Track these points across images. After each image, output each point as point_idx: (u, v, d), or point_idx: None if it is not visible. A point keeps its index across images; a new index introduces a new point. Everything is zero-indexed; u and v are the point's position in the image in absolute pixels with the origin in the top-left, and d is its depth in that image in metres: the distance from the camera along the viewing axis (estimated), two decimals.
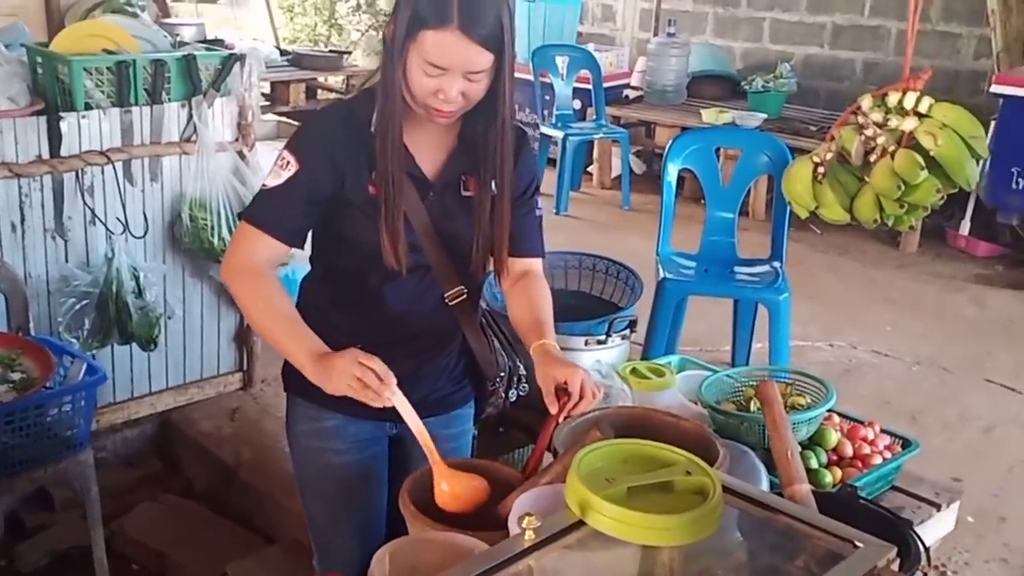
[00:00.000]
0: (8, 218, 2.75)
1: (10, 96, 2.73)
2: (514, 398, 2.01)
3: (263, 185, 1.73)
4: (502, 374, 1.95)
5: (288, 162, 1.68)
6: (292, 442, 1.93)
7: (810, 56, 6.95)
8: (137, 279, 2.96)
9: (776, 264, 3.65)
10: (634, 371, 2.26)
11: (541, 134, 6.48)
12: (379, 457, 1.91)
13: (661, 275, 3.52)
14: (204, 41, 5.32)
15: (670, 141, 3.81)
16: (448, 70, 1.59)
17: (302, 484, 1.94)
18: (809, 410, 2.06)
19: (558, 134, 6.19)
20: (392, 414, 1.63)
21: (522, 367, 1.96)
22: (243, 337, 3.38)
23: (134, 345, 3.02)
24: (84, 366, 2.54)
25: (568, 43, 7.01)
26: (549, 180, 6.41)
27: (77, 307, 2.86)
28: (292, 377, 1.84)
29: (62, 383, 2.50)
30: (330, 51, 7.42)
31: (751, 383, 2.20)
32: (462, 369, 1.94)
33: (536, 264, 1.92)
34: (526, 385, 1.98)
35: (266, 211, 1.71)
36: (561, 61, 6.48)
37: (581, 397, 1.66)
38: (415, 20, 1.58)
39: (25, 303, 2.73)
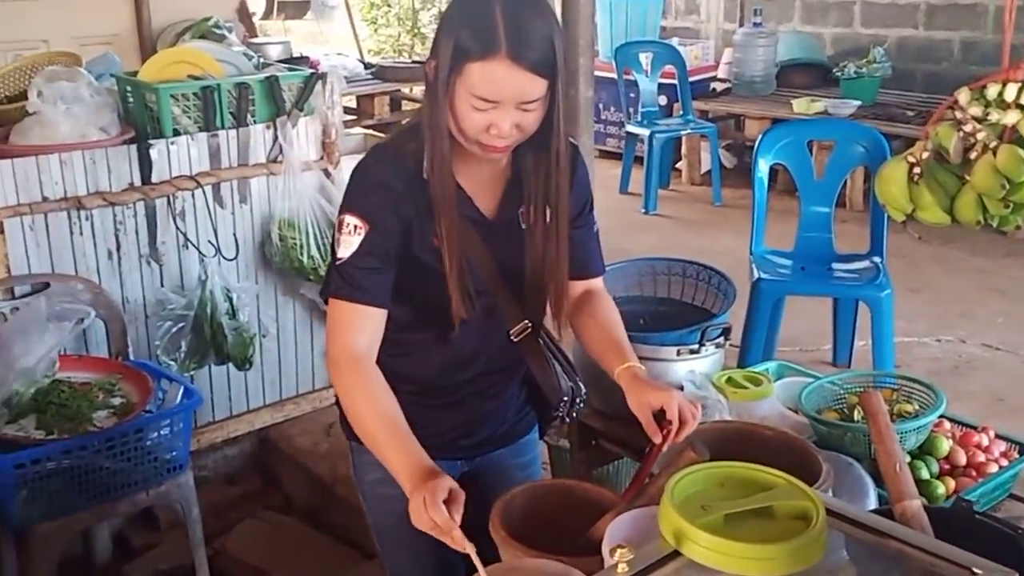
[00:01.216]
0: (104, 246, 2.81)
1: (102, 126, 2.80)
2: (572, 419, 1.97)
3: (337, 258, 1.62)
4: (565, 398, 1.89)
5: (355, 226, 1.58)
6: (363, 493, 1.86)
7: (904, 38, 6.70)
8: (230, 300, 3.00)
9: (876, 259, 3.51)
10: (730, 380, 2.18)
11: (627, 133, 6.40)
12: None
13: (756, 275, 3.43)
14: (289, 60, 5.42)
15: (759, 136, 3.71)
16: (500, 103, 1.48)
17: (378, 532, 1.88)
18: (917, 418, 1.95)
19: (644, 132, 6.10)
20: (462, 452, 1.58)
21: (582, 386, 1.90)
22: None
23: (230, 365, 3.07)
24: (181, 389, 2.59)
25: (651, 39, 6.91)
26: (636, 179, 6.35)
27: (173, 330, 2.91)
28: None
29: (160, 406, 2.55)
30: (413, 61, 7.46)
31: (854, 390, 2.10)
32: (525, 398, 1.89)
33: (598, 283, 1.85)
34: (583, 403, 1.93)
35: (349, 283, 1.60)
36: (645, 58, 6.38)
37: (682, 422, 1.57)
38: (459, 53, 1.48)
39: (123, 328, 2.80)
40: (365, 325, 1.61)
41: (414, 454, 1.51)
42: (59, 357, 2.50)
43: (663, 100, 6.54)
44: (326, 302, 1.66)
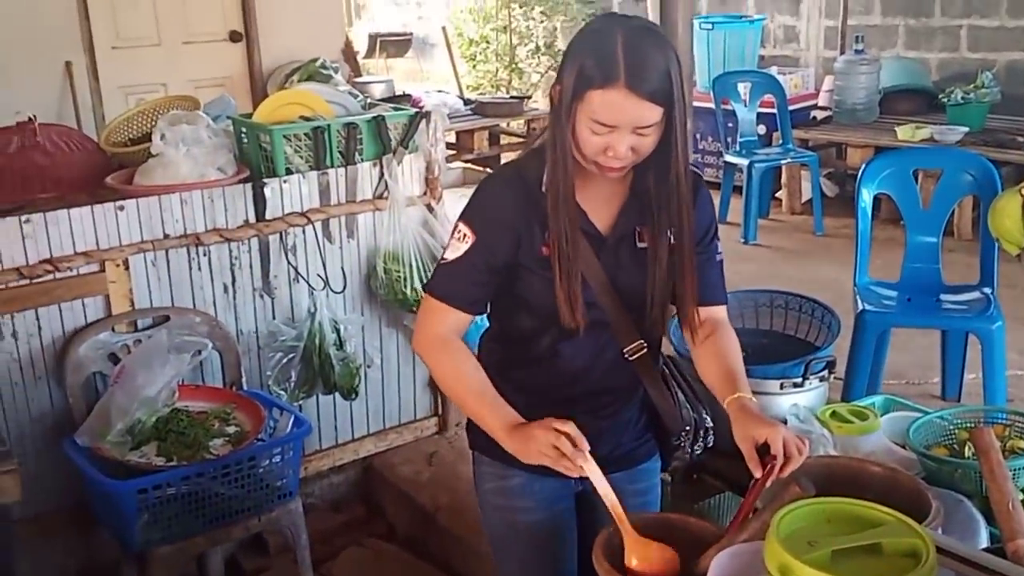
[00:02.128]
0: (221, 280, 2.94)
1: (219, 166, 2.94)
2: (700, 451, 1.96)
3: (443, 258, 1.77)
4: (687, 428, 1.90)
5: (465, 234, 1.72)
6: (481, 501, 1.95)
7: (1014, 62, 6.50)
8: (338, 331, 3.10)
9: (987, 290, 3.41)
10: (835, 415, 2.16)
11: (725, 162, 6.36)
12: (567, 514, 1.90)
13: (860, 307, 3.37)
14: (392, 98, 5.56)
15: (863, 165, 3.66)
16: (617, 127, 1.58)
17: (493, 543, 1.95)
18: None
19: (743, 162, 6.06)
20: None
21: (708, 419, 1.90)
22: (435, 383, 3.47)
23: (337, 394, 3.16)
24: (292, 418, 2.68)
25: (750, 68, 6.87)
26: (736, 208, 6.29)
27: (284, 361, 3.01)
28: (476, 435, 1.87)
29: (272, 435, 2.65)
30: (511, 97, 7.58)
31: (965, 425, 2.06)
32: (644, 423, 1.91)
33: (721, 312, 1.87)
34: (712, 437, 1.92)
35: (447, 284, 1.75)
36: (743, 87, 6.35)
37: (787, 457, 1.57)
38: (582, 80, 1.58)
39: (238, 359, 2.92)
40: (450, 322, 1.75)
41: (508, 410, 1.66)
42: (178, 387, 2.62)
43: (762, 129, 6.49)
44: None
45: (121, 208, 2.72)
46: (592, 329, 1.73)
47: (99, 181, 2.96)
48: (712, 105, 6.34)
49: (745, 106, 6.32)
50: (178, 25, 5.61)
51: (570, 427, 1.56)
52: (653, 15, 7.81)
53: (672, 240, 1.73)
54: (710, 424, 1.91)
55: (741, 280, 4.36)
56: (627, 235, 1.75)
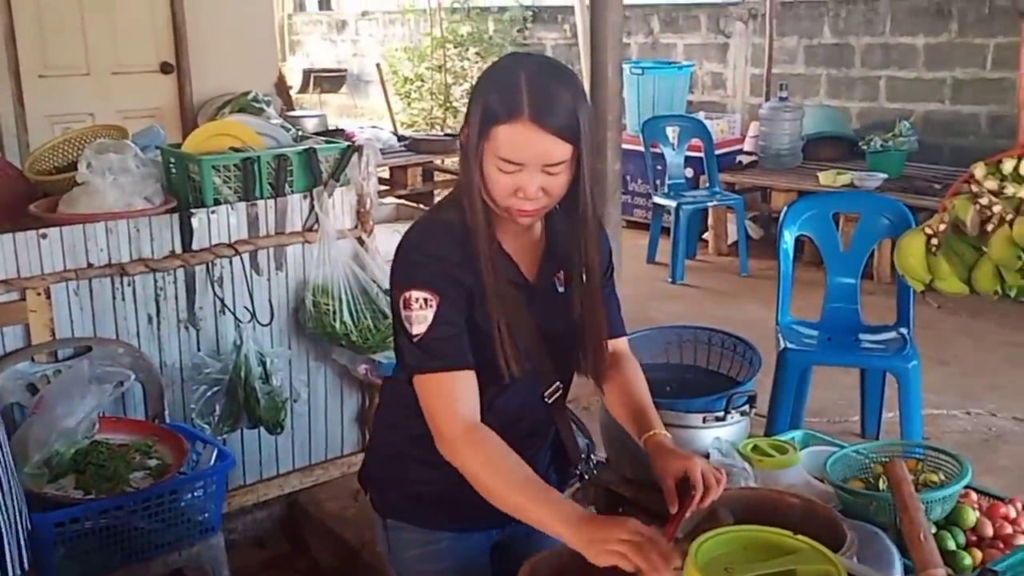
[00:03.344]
0: (145, 311, 2.90)
1: (146, 196, 2.90)
2: (591, 475, 1.99)
3: (413, 336, 1.61)
4: (583, 455, 1.92)
5: (425, 300, 1.60)
6: (400, 569, 1.86)
7: (930, 112, 6.78)
8: (264, 365, 3.06)
9: (903, 330, 3.52)
10: (756, 448, 2.20)
11: (654, 204, 6.49)
12: (486, 566, 1.87)
13: (782, 345, 3.45)
14: (326, 132, 5.57)
15: (784, 209, 3.76)
16: (524, 165, 1.55)
17: None
18: (942, 488, 1.96)
19: (671, 203, 6.18)
20: (498, 519, 1.57)
21: (593, 444, 1.94)
22: (364, 418, 3.45)
23: (262, 428, 3.12)
24: (215, 451, 2.64)
25: (678, 113, 7.04)
26: (664, 249, 6.41)
27: (208, 394, 2.97)
28: (391, 501, 1.83)
29: (195, 469, 2.60)
30: (445, 134, 7.64)
31: (880, 459, 2.11)
32: (549, 459, 1.91)
33: (622, 344, 1.89)
34: (596, 460, 1.95)
35: (435, 355, 1.61)
36: (672, 131, 6.50)
37: (706, 488, 1.59)
38: (486, 117, 1.56)
39: (161, 391, 2.87)
40: (463, 391, 1.62)
41: (566, 503, 1.55)
42: (99, 419, 2.57)
43: (690, 172, 6.64)
44: (409, 382, 1.66)
45: (44, 236, 2.67)
46: (521, 379, 1.70)
47: (22, 209, 2.90)
48: (641, 148, 6.47)
49: (673, 149, 6.46)
50: (108, 55, 5.56)
51: (655, 534, 1.44)
52: (585, 59, 7.96)
53: (585, 278, 1.73)
54: (595, 452, 1.93)
55: (668, 319, 4.43)
56: (550, 282, 1.75)
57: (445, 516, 1.80)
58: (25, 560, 1.68)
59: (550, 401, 1.81)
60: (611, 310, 1.85)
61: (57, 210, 2.85)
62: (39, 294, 2.66)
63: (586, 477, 1.97)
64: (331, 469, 3.40)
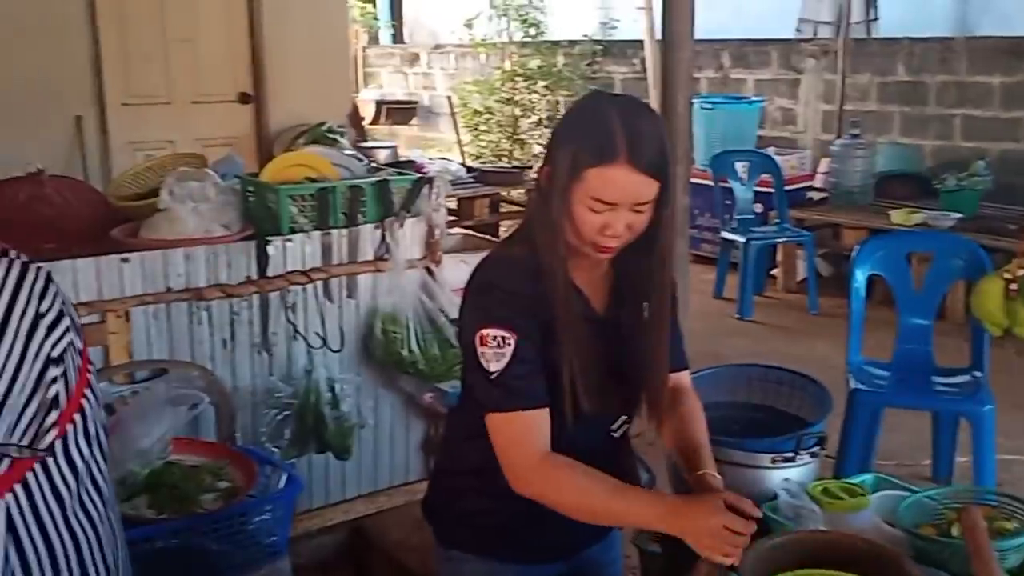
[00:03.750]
0: (220, 335, 2.97)
1: (224, 223, 2.98)
2: None
3: (490, 374, 1.62)
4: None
5: (503, 339, 1.60)
6: None
7: (1006, 152, 6.64)
8: (333, 390, 3.11)
9: (977, 373, 3.44)
10: (825, 491, 2.17)
11: (722, 239, 6.44)
12: None
13: (852, 386, 3.39)
14: (396, 163, 5.65)
15: (857, 248, 3.71)
16: (617, 205, 1.58)
17: None
18: (1017, 536, 1.91)
19: (740, 239, 6.14)
20: (564, 553, 1.61)
21: (654, 478, 1.92)
22: (429, 446, 3.48)
23: (329, 454, 3.16)
24: (284, 475, 2.68)
25: (748, 148, 7.00)
26: (731, 284, 6.36)
27: (279, 418, 3.03)
28: (456, 530, 1.83)
29: (264, 492, 2.64)
30: (513, 167, 7.70)
31: (954, 505, 2.06)
32: None
33: (684, 378, 1.89)
34: None
35: (512, 394, 1.62)
36: (741, 166, 6.47)
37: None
38: (579, 160, 1.57)
39: (233, 415, 2.93)
40: (537, 429, 1.63)
41: (655, 495, 1.61)
42: (172, 440, 2.62)
43: (759, 207, 6.59)
44: (475, 414, 1.67)
45: (125, 260, 2.76)
46: (592, 414, 1.70)
47: (104, 234, 3.00)
48: (710, 182, 6.44)
49: (743, 184, 6.43)
50: (189, 84, 5.73)
51: (745, 503, 1.50)
52: (654, 94, 7.98)
53: (649, 313, 1.73)
54: (655, 483, 1.92)
55: (735, 355, 4.39)
56: (618, 316, 1.75)
57: (508, 548, 1.80)
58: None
59: (616, 435, 1.81)
60: (674, 343, 1.85)
61: (138, 235, 2.94)
62: (119, 317, 2.74)
63: None
64: (396, 496, 3.42)
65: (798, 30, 7.44)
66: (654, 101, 7.68)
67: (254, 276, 2.99)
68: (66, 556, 1.55)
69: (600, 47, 9.32)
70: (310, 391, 3.06)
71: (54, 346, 1.51)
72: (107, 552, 1.64)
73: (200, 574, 2.44)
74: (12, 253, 1.54)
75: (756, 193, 6.47)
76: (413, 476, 3.47)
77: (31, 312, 1.47)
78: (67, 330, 1.54)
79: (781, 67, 7.88)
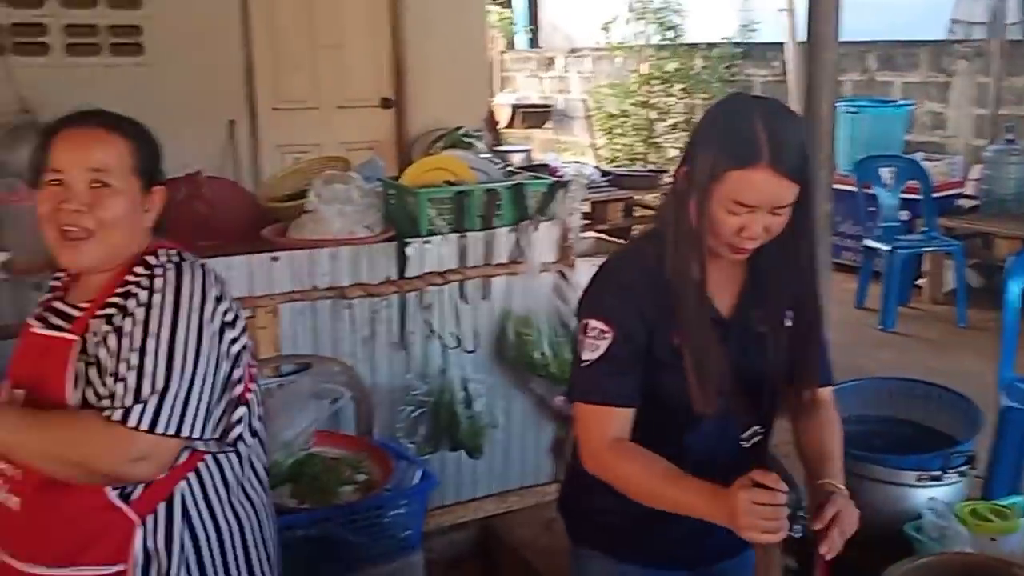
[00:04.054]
0: (361, 332, 3.06)
1: (367, 225, 3.08)
2: (798, 534, 1.91)
3: (582, 361, 1.67)
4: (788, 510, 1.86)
5: (601, 331, 1.65)
6: None
7: None
8: (467, 390, 3.16)
9: None
10: (974, 512, 2.08)
11: (865, 247, 6.23)
12: None
13: (1004, 403, 3.23)
14: (531, 166, 5.71)
15: (1011, 259, 3.53)
16: (756, 208, 1.57)
17: None
18: None
19: (884, 247, 5.93)
20: (687, 563, 1.62)
21: (803, 501, 1.86)
22: (559, 449, 3.49)
23: (462, 452, 3.21)
24: (419, 471, 2.75)
25: (894, 153, 6.75)
26: (874, 294, 6.14)
27: (414, 415, 3.10)
28: (586, 532, 1.85)
29: (399, 486, 2.71)
30: (648, 170, 7.64)
31: None
32: None
33: (825, 392, 1.83)
34: (804, 517, 1.87)
35: (599, 385, 1.66)
36: (887, 172, 6.24)
37: (828, 526, 1.57)
38: (720, 162, 1.57)
39: (371, 410, 3.02)
40: (614, 424, 1.67)
41: (705, 485, 1.56)
42: (315, 432, 2.73)
43: (905, 215, 6.33)
44: (571, 403, 1.73)
45: (275, 259, 2.87)
46: (713, 418, 1.69)
47: (255, 233, 3.14)
48: (853, 188, 6.24)
49: (888, 191, 6.20)
50: (335, 90, 5.93)
51: (770, 478, 1.49)
52: (798, 96, 7.77)
53: (793, 321, 1.71)
54: (804, 507, 1.86)
55: (877, 368, 4.25)
56: (748, 319, 1.72)
57: (634, 548, 1.80)
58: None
59: (747, 445, 1.77)
60: (820, 356, 1.81)
61: (287, 235, 3.06)
62: (268, 312, 2.86)
63: (791, 533, 1.91)
64: (525, 497, 3.45)
65: (951, 31, 7.12)
66: (795, 104, 7.50)
67: (394, 276, 3.07)
68: (231, 537, 1.67)
69: (740, 50, 9.15)
70: (445, 390, 3.12)
71: (233, 344, 1.62)
72: (266, 535, 1.75)
73: (337, 563, 2.52)
74: (189, 256, 1.65)
75: (902, 200, 6.23)
76: (543, 478, 3.49)
77: (219, 314, 1.58)
78: (243, 330, 1.64)
79: (931, 69, 7.55)
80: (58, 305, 1.69)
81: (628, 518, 1.76)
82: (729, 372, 1.69)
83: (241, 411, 1.66)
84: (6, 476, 1.61)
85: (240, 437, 1.68)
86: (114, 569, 1.57)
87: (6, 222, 2.75)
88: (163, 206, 1.71)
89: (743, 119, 1.59)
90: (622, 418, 1.67)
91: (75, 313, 1.64)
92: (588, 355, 1.66)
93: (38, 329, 1.66)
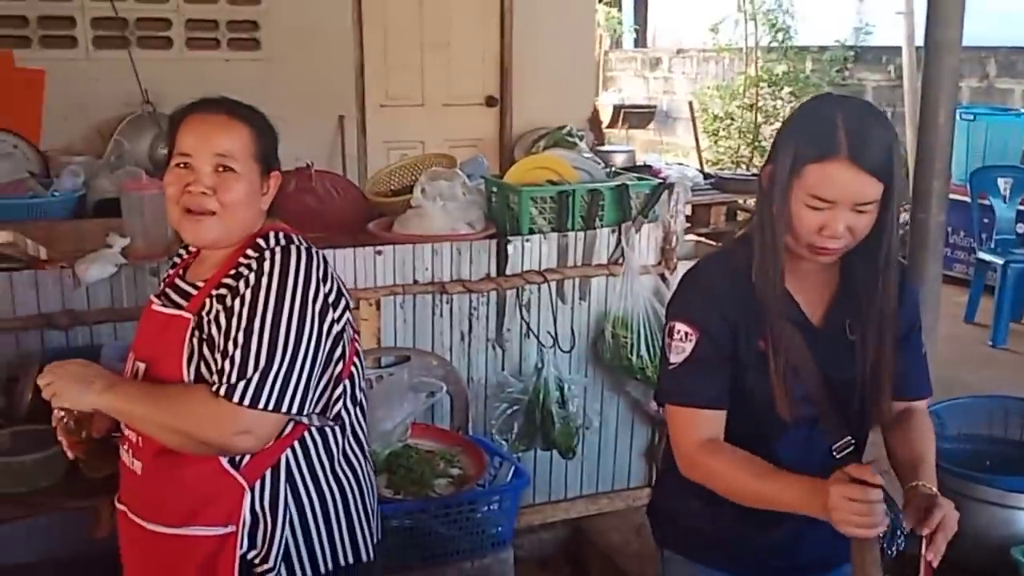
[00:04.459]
0: (459, 328, 3.09)
1: (469, 221, 3.11)
2: (894, 554, 1.85)
3: (669, 364, 1.68)
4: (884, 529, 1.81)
5: (686, 334, 1.65)
6: None
7: None
8: (562, 390, 3.17)
9: None
10: None
11: (977, 259, 6.02)
12: None
13: None
14: (634, 167, 5.68)
15: None
16: (836, 203, 1.55)
17: None
18: None
19: (998, 260, 5.71)
20: (781, 570, 1.59)
21: (903, 518, 1.80)
22: (652, 453, 3.47)
23: (554, 452, 3.22)
24: (512, 468, 2.77)
25: (1012, 163, 6.49)
26: (985, 309, 5.92)
27: (508, 412, 3.12)
28: (674, 536, 1.84)
29: (492, 482, 2.74)
30: (752, 174, 7.52)
31: None
32: None
33: (921, 403, 1.79)
34: (903, 539, 1.81)
35: (687, 387, 1.67)
36: (1004, 183, 6.01)
37: (936, 531, 1.53)
38: (800, 156, 1.56)
39: (467, 405, 3.05)
40: (705, 426, 1.67)
41: (802, 480, 1.54)
42: (411, 425, 2.77)
43: (1021, 228, 6.09)
44: (661, 406, 1.74)
45: (379, 253, 2.93)
46: (802, 426, 1.68)
47: (361, 226, 3.20)
48: (966, 199, 6.03)
49: (1005, 202, 5.97)
50: (441, 88, 6.02)
51: (865, 472, 1.46)
52: (909, 102, 7.53)
53: (879, 328, 1.67)
54: (904, 525, 1.80)
55: (986, 385, 4.10)
56: (839, 327, 1.69)
57: (721, 554, 1.78)
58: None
59: (839, 456, 1.73)
60: (916, 368, 1.77)
61: (392, 230, 3.12)
62: (371, 305, 2.92)
63: (889, 552, 1.86)
64: (616, 500, 3.44)
65: None
66: (909, 110, 7.28)
67: (493, 273, 3.09)
68: (334, 501, 1.77)
69: (852, 53, 8.92)
70: (539, 388, 3.13)
71: (336, 322, 1.69)
72: (367, 501, 1.83)
73: (428, 555, 2.56)
74: (296, 239, 1.73)
75: (1019, 212, 5.99)
76: (635, 482, 3.47)
77: (321, 295, 1.66)
78: (345, 308, 1.72)
79: None
80: (178, 282, 1.80)
81: (718, 523, 1.75)
82: (818, 380, 1.67)
83: (341, 387, 1.73)
84: (131, 442, 1.73)
85: (342, 411, 1.75)
86: (225, 530, 1.67)
87: (127, 209, 2.87)
88: (276, 191, 1.80)
89: (823, 114, 1.58)
90: (711, 420, 1.66)
91: (191, 291, 1.74)
92: (675, 357, 1.67)
93: (157, 306, 1.77)
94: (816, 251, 1.60)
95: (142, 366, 1.72)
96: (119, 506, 1.78)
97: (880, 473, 1.82)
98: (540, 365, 3.17)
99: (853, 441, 1.74)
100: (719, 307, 1.65)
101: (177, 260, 1.89)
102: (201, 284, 1.73)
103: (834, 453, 1.72)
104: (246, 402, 1.57)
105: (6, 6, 5.02)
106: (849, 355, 1.69)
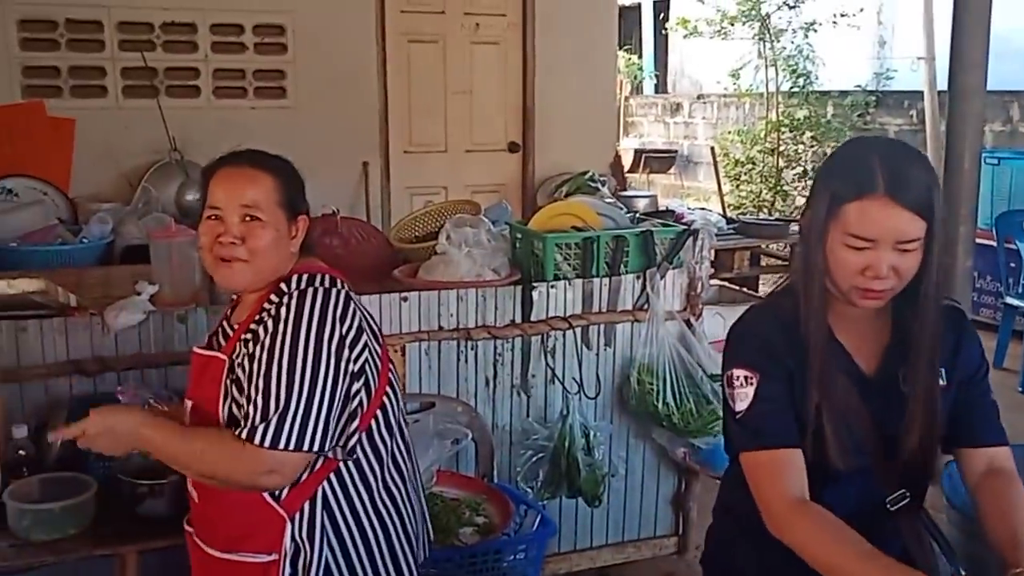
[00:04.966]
0: (484, 374, 3.09)
1: (494, 268, 3.12)
2: None
3: (736, 414, 1.65)
4: None
5: (746, 378, 1.63)
6: None
7: None
8: (587, 437, 3.14)
9: None
10: None
11: (1005, 304, 5.96)
12: None
13: None
14: (656, 212, 5.68)
15: None
16: (877, 241, 1.52)
17: None
18: None
19: None
20: None
21: (962, 571, 1.74)
22: (680, 501, 3.43)
23: (580, 499, 3.19)
24: (538, 516, 2.74)
25: None
26: (1014, 354, 5.85)
27: (534, 459, 3.09)
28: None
29: (518, 531, 2.71)
30: (776, 219, 7.50)
31: None
32: None
33: (1002, 455, 1.72)
34: None
35: (756, 433, 1.63)
36: None
37: None
38: (836, 197, 1.55)
39: (491, 452, 3.03)
40: (788, 468, 1.61)
41: (903, 568, 1.48)
42: (437, 472, 2.75)
43: None
44: (735, 459, 1.70)
45: (405, 299, 2.94)
46: (856, 477, 1.65)
47: (387, 272, 3.22)
48: (992, 243, 5.99)
49: None
50: (463, 134, 6.07)
51: None
52: (933, 147, 7.52)
53: (943, 381, 1.65)
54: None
55: (1016, 433, 4.01)
56: (892, 377, 1.66)
57: None
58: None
59: (893, 508, 1.70)
60: (983, 414, 1.73)
61: (417, 276, 3.13)
62: (396, 351, 2.92)
63: None
64: (643, 548, 3.40)
65: None
66: (932, 155, 7.26)
67: (518, 320, 3.09)
68: (375, 533, 1.81)
69: (874, 98, 8.95)
70: (565, 435, 3.11)
71: (355, 361, 1.74)
72: (410, 530, 1.86)
73: None
74: (318, 279, 1.78)
75: None
76: (661, 531, 3.43)
77: (337, 335, 1.70)
78: (365, 345, 1.76)
79: None
80: (224, 324, 1.92)
81: (761, 569, 1.73)
82: (870, 430, 1.64)
83: (355, 423, 1.79)
84: None
85: (378, 441, 1.81)
86: (269, 558, 1.77)
87: (156, 256, 2.89)
88: (306, 232, 1.90)
89: (859, 155, 1.58)
90: (793, 464, 1.60)
91: (230, 333, 1.86)
92: (740, 405, 1.64)
93: (199, 349, 1.88)
94: (862, 295, 1.57)
95: (189, 404, 1.86)
96: (187, 527, 1.93)
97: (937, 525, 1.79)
98: (565, 412, 3.15)
99: (908, 494, 1.70)
100: (772, 352, 1.64)
101: (229, 303, 2.01)
102: (236, 326, 1.83)
103: (888, 506, 1.70)
104: (267, 443, 1.65)
105: (39, 57, 5.12)
106: (901, 406, 1.66)
